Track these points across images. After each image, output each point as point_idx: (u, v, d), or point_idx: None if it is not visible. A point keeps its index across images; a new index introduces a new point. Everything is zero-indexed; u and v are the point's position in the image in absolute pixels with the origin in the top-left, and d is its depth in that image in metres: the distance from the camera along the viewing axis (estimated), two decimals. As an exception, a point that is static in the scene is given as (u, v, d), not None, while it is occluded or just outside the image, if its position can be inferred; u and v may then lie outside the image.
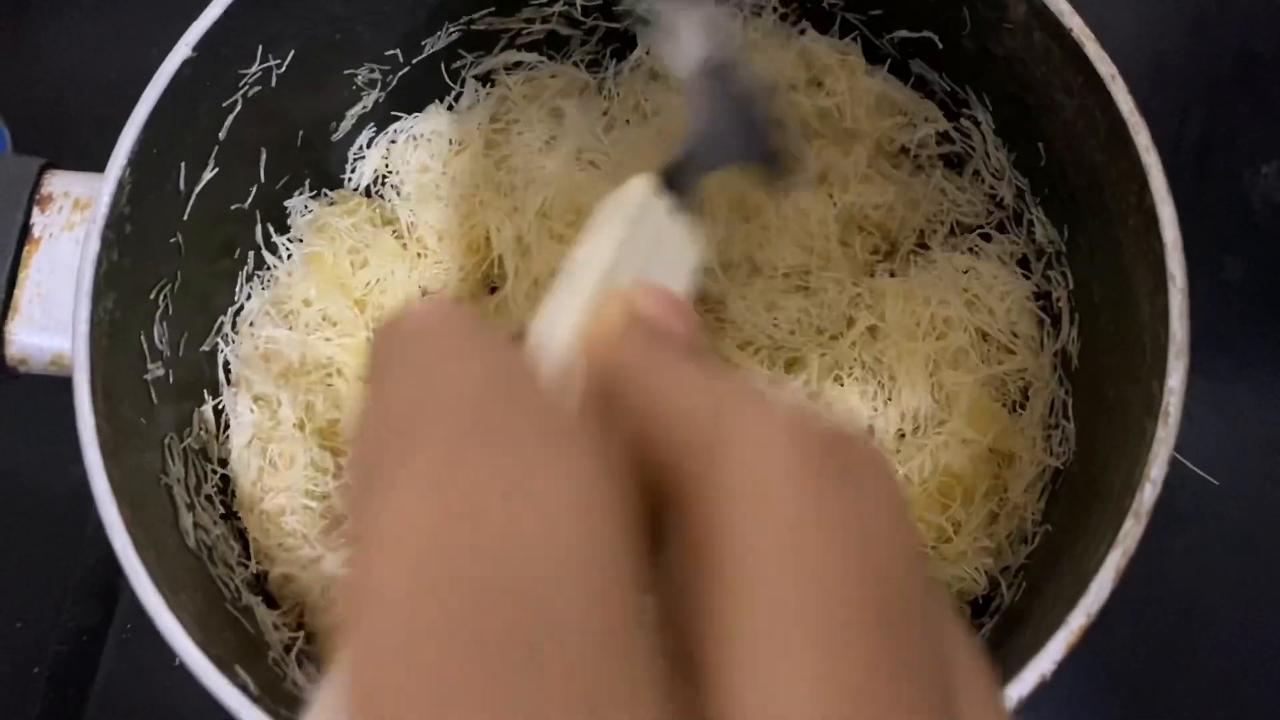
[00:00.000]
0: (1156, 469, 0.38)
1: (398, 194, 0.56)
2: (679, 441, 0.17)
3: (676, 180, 0.34)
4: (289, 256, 0.53)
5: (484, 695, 0.14)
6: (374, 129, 0.56)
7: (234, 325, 0.52)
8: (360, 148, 0.56)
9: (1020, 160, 0.51)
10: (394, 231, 0.55)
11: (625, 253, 0.30)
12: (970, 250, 0.53)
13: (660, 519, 0.17)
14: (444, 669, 0.14)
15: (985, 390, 0.51)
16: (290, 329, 0.52)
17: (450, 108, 0.57)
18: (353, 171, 0.56)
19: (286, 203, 0.54)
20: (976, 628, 0.48)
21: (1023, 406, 0.51)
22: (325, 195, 0.55)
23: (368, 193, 0.57)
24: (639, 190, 0.33)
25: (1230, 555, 0.54)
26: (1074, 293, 0.49)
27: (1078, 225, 0.48)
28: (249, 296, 0.52)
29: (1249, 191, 0.60)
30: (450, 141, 0.56)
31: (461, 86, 0.57)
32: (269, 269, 0.53)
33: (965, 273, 0.52)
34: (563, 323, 0.26)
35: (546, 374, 0.19)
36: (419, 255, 0.55)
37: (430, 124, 0.56)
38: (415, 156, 0.56)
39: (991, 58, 0.48)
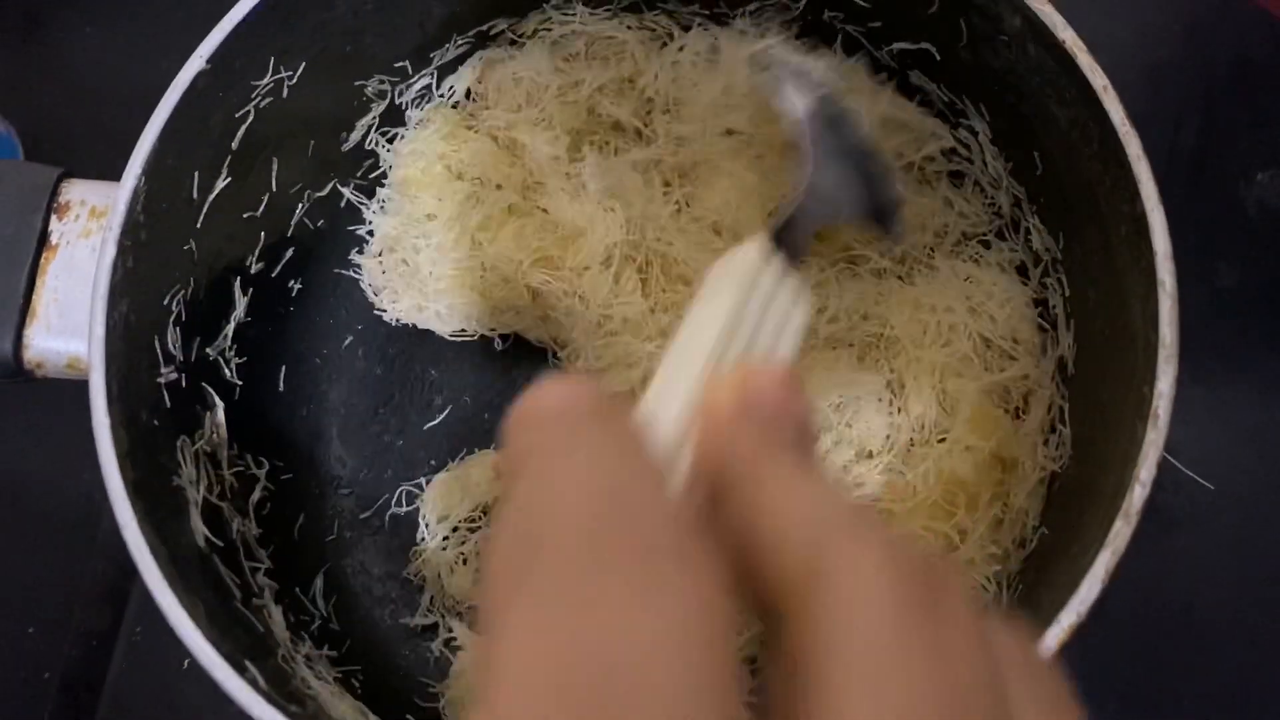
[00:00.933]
0: (1146, 470, 0.38)
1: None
2: (782, 563, 0.19)
3: (788, 237, 0.34)
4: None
5: None
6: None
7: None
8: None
9: (1017, 170, 0.51)
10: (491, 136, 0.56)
11: (735, 322, 0.29)
12: (972, 259, 0.54)
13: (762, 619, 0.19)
14: None
15: (987, 397, 0.51)
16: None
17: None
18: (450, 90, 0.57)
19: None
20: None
21: (1024, 412, 0.51)
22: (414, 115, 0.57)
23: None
24: (750, 256, 0.32)
25: (1225, 558, 0.55)
26: (1070, 299, 0.49)
27: (1073, 233, 0.49)
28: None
29: (1244, 198, 0.60)
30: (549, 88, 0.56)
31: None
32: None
33: (967, 280, 0.53)
34: (675, 399, 0.26)
35: (663, 474, 0.20)
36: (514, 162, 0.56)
37: (528, 65, 0.56)
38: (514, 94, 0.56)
39: (988, 69, 0.48)
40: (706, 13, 0.55)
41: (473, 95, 0.57)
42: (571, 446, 0.20)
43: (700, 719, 0.16)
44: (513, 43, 0.56)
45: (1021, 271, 0.53)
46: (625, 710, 0.16)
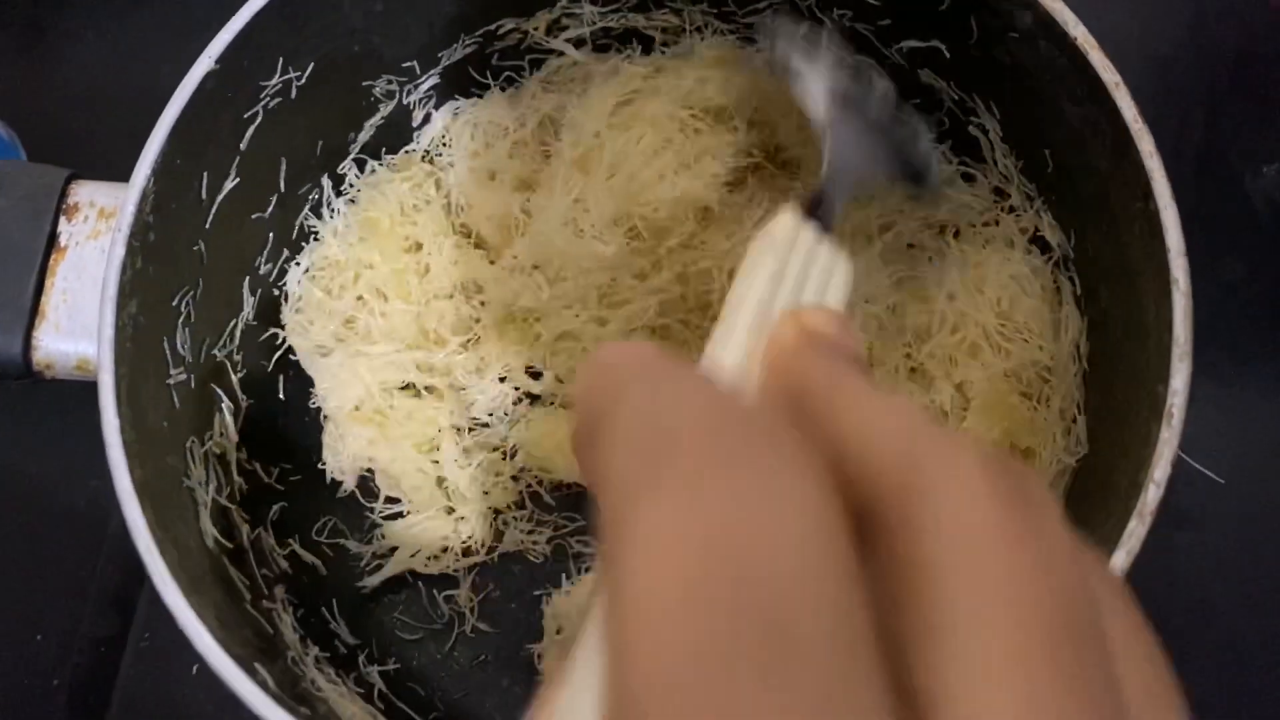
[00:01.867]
0: (1160, 470, 0.38)
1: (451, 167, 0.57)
2: (877, 472, 0.19)
3: (818, 210, 0.34)
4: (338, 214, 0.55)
5: (748, 707, 0.15)
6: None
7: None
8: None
9: (1028, 167, 0.51)
10: (445, 204, 0.57)
11: (779, 284, 0.30)
12: (983, 244, 0.54)
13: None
14: (711, 679, 0.15)
15: (1002, 382, 0.51)
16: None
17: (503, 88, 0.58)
18: (417, 132, 0.58)
19: (340, 167, 0.56)
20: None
21: (1042, 401, 0.51)
22: (387, 160, 0.57)
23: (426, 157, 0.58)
24: (786, 223, 0.33)
25: (1236, 553, 0.54)
26: (1082, 297, 0.49)
27: (1085, 231, 0.49)
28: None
29: (1251, 192, 0.60)
30: (507, 130, 0.56)
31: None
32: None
33: (976, 266, 0.52)
34: (733, 347, 0.27)
35: (750, 401, 0.21)
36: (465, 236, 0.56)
37: (487, 112, 0.57)
38: (470, 142, 0.57)
39: (998, 66, 0.48)
40: (714, 11, 0.55)
41: (445, 140, 0.58)
42: (671, 372, 0.20)
43: (843, 605, 0.16)
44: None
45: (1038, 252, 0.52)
46: (781, 601, 0.16)
